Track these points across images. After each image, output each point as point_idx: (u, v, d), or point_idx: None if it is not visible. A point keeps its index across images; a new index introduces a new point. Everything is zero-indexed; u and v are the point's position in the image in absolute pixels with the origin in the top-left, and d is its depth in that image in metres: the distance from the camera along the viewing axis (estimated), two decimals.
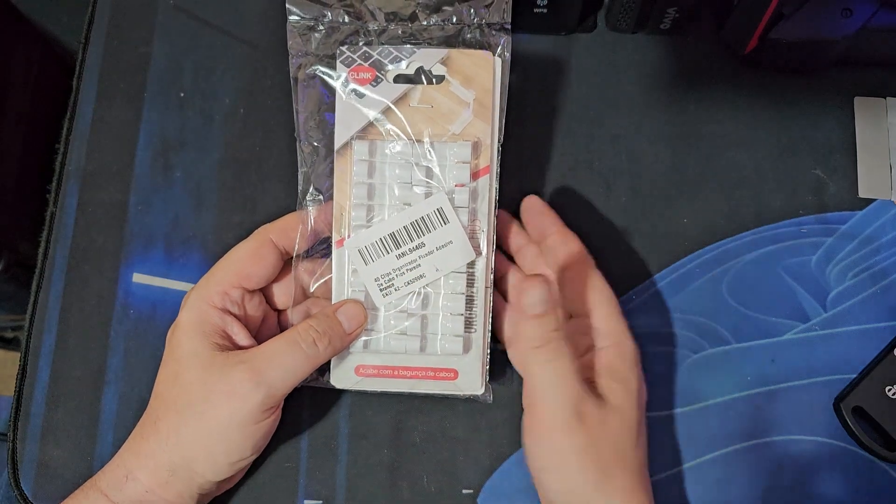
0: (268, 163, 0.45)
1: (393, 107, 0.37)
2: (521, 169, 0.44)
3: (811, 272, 0.42)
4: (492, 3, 0.38)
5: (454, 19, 0.39)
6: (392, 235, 0.37)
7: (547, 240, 0.40)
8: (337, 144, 0.38)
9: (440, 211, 0.37)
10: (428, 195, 0.37)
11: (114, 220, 0.44)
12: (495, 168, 0.38)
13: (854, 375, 0.41)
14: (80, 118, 0.46)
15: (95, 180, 0.45)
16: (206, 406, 0.35)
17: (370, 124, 0.38)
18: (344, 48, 0.38)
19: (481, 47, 0.38)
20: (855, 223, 0.43)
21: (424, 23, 0.39)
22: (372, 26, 0.39)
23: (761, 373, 0.41)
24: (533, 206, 0.41)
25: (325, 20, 0.39)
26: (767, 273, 0.42)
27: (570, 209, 0.44)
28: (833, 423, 0.40)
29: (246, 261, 0.38)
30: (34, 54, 0.72)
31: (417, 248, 0.37)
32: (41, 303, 0.43)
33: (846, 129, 0.45)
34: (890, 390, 0.40)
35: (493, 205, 0.38)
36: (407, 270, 0.38)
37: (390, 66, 0.38)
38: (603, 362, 0.36)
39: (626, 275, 0.43)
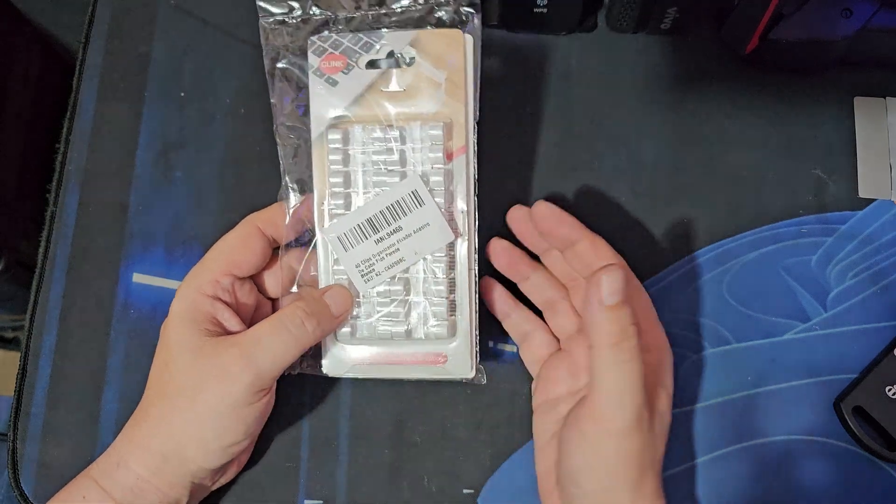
0: (268, 162, 0.45)
1: (365, 93, 0.37)
2: (521, 170, 0.44)
3: (811, 272, 0.42)
4: None
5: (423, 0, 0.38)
6: (369, 221, 0.37)
7: (575, 246, 0.37)
8: (313, 134, 0.38)
9: (415, 193, 0.37)
10: (402, 177, 0.37)
11: (114, 220, 0.44)
12: (472, 148, 0.37)
13: (854, 375, 0.41)
14: (81, 118, 0.46)
15: (95, 180, 0.45)
16: (196, 391, 0.35)
17: (344, 112, 0.38)
18: (314, 38, 0.38)
19: (452, 25, 0.38)
20: (855, 223, 0.43)
21: (394, 6, 0.38)
22: (341, 15, 0.39)
23: (761, 373, 0.41)
24: (548, 214, 0.37)
25: (296, 13, 0.39)
26: (767, 273, 0.42)
27: (570, 209, 0.43)
28: (833, 423, 0.40)
29: (235, 248, 0.38)
30: (34, 54, 0.72)
31: (395, 231, 0.37)
32: (41, 303, 0.43)
33: (846, 129, 0.45)
34: (890, 390, 0.40)
35: (472, 185, 0.38)
36: (386, 255, 0.38)
37: (361, 53, 0.37)
38: (652, 368, 0.36)
39: None
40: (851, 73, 0.45)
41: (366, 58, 0.38)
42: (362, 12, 0.38)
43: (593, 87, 0.45)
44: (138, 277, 0.43)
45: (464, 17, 0.38)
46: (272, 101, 0.39)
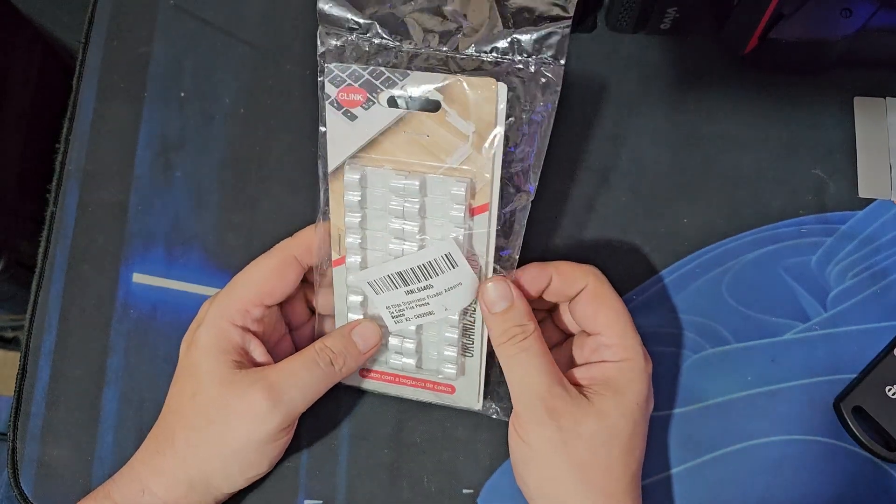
0: (268, 163, 0.45)
1: (386, 133, 0.34)
2: None
3: (811, 272, 0.42)
4: (545, 36, 0.34)
5: (500, 49, 0.34)
6: (399, 275, 0.36)
7: (553, 281, 0.37)
8: (330, 167, 0.36)
9: (449, 256, 0.35)
10: (421, 229, 0.36)
11: (114, 220, 0.44)
12: (495, 206, 0.35)
13: (854, 375, 0.41)
14: (80, 118, 0.46)
15: (95, 180, 0.45)
16: (223, 425, 0.35)
17: (362, 149, 0.35)
18: (332, 66, 0.34)
19: (537, 85, 0.34)
20: (855, 223, 0.43)
21: (467, 51, 0.34)
22: (406, 47, 0.35)
23: (761, 373, 0.41)
24: (534, 275, 0.37)
25: (358, 32, 0.36)
26: (767, 273, 0.42)
27: (571, 209, 0.44)
28: (833, 423, 0.40)
29: (268, 278, 0.37)
30: (34, 54, 0.72)
31: (425, 288, 0.36)
32: (41, 303, 0.43)
33: (846, 129, 0.45)
34: (890, 390, 0.40)
35: (493, 239, 0.36)
36: (416, 306, 0.37)
37: (382, 89, 0.34)
38: (603, 373, 0.36)
39: (627, 275, 0.43)
40: (851, 73, 0.45)
41: (386, 94, 0.34)
42: (431, 49, 0.35)
43: (593, 87, 0.45)
44: (138, 277, 0.43)
45: (542, 80, 0.34)
46: (321, 125, 0.36)
